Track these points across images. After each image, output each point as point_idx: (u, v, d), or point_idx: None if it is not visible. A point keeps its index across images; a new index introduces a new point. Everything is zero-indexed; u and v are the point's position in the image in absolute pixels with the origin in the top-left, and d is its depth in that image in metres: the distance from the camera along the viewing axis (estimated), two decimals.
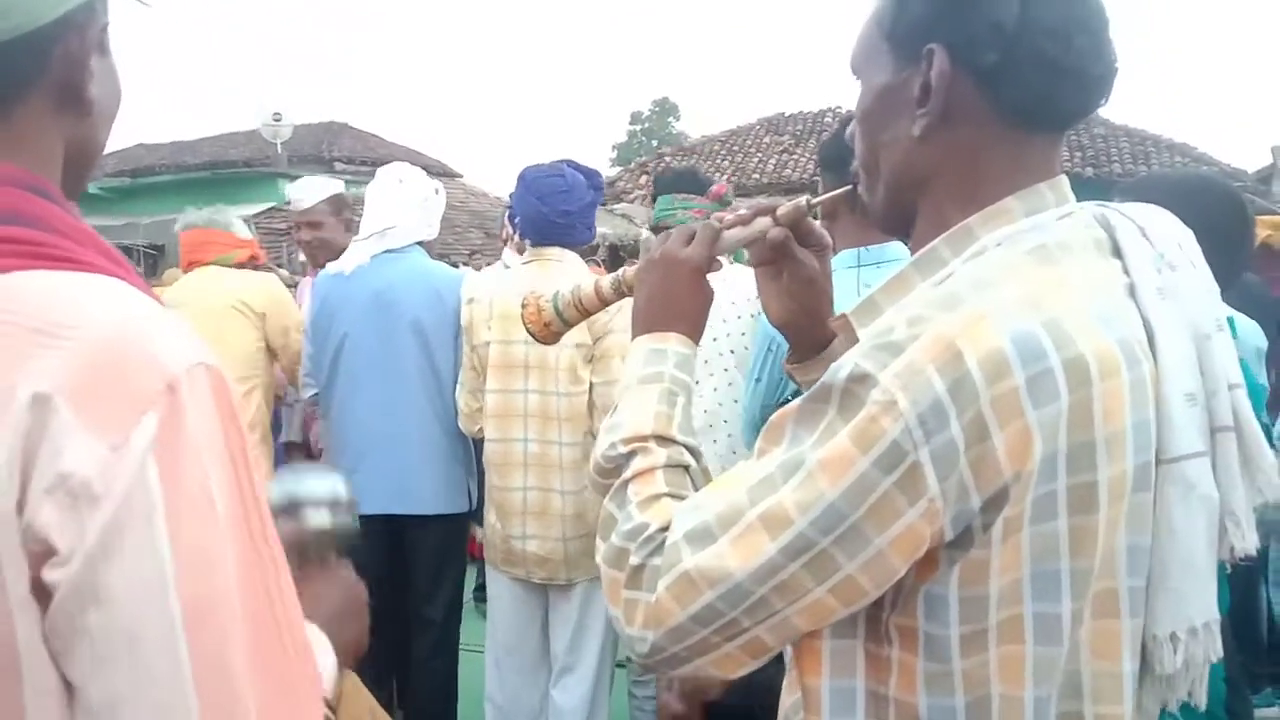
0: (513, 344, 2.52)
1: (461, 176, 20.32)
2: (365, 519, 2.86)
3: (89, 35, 0.73)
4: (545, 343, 1.20)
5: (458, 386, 2.68)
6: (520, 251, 2.90)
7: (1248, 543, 1.02)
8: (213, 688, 0.62)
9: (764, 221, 1.04)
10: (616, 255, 7.51)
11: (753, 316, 2.61)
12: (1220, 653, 0.98)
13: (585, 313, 1.17)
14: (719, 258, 1.06)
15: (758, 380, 2.23)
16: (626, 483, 0.90)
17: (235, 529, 0.65)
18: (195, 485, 0.63)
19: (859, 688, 0.85)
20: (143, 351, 0.64)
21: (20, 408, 0.60)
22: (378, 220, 2.76)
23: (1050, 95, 0.83)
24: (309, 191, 3.30)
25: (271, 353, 3.04)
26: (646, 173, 18.25)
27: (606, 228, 9.78)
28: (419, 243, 2.83)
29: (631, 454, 0.92)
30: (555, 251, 2.57)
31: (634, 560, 0.84)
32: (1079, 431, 0.76)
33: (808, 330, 1.09)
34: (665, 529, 0.84)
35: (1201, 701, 0.98)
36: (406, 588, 2.83)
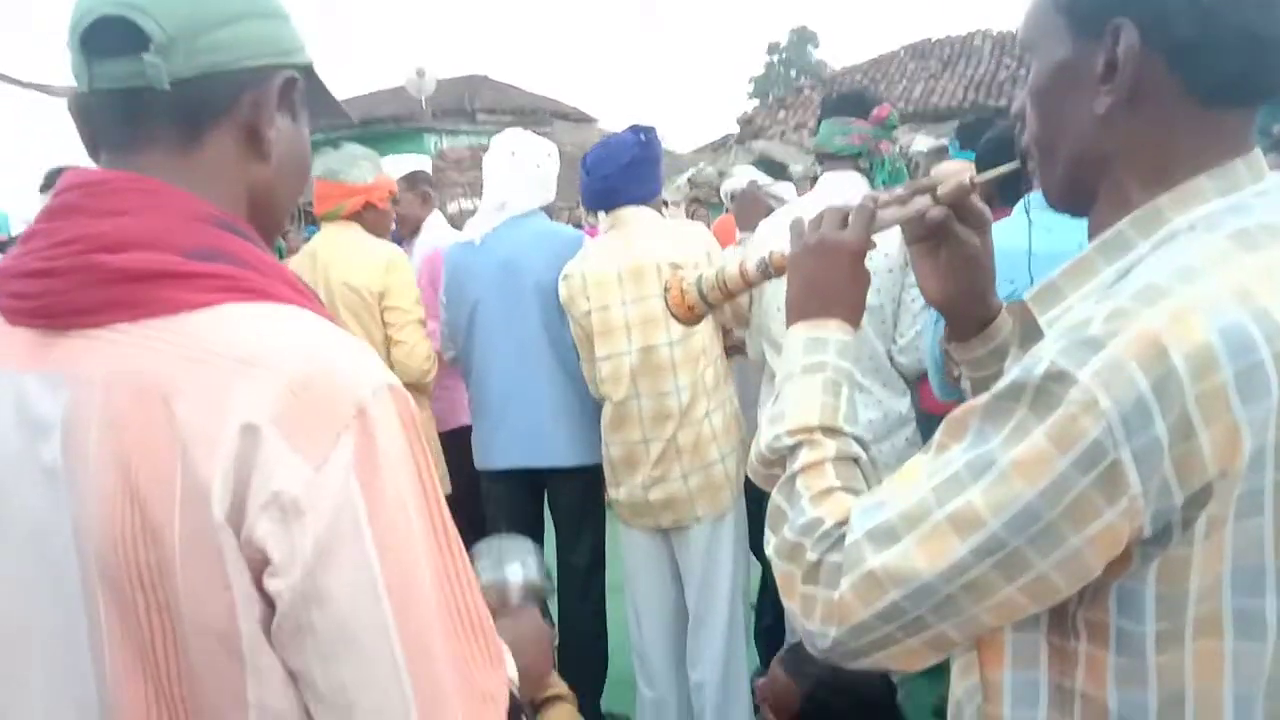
0: (610, 309, 2.59)
1: (597, 121, 20.39)
2: (508, 473, 2.97)
3: (272, 88, 0.82)
4: (688, 324, 1.21)
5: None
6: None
7: None
8: (421, 671, 0.72)
9: (923, 201, 1.00)
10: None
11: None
12: None
13: (729, 295, 1.16)
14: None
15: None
16: (794, 476, 0.90)
17: (425, 531, 0.74)
18: (392, 496, 0.72)
19: (1042, 680, 0.84)
20: (335, 378, 0.72)
21: (231, 435, 0.68)
22: (494, 195, 2.85)
23: (1249, 71, 0.77)
24: (390, 168, 3.35)
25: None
26: (785, 108, 17.81)
27: (744, 165, 9.60)
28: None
29: (798, 445, 0.92)
30: (627, 213, 2.62)
31: (811, 556, 0.84)
32: None
33: (968, 308, 1.06)
34: (842, 524, 0.83)
35: None
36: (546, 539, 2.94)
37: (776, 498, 0.91)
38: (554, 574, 2.89)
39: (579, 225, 6.40)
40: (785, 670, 1.65)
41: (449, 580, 0.75)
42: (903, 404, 2.57)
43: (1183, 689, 0.78)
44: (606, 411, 2.66)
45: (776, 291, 2.50)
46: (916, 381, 2.69)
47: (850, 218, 1.00)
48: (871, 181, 2.58)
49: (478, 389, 2.91)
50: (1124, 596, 0.77)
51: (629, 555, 2.79)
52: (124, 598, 0.71)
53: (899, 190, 1.03)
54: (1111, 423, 0.70)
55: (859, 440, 0.93)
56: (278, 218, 0.88)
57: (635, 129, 2.67)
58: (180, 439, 0.69)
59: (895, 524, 0.79)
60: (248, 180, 0.83)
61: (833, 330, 0.97)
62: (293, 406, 0.69)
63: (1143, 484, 0.71)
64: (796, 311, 1.00)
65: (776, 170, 9.10)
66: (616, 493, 2.69)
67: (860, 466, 0.92)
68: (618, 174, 2.60)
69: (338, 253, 2.88)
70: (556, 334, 2.78)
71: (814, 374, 0.95)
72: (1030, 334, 0.85)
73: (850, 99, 2.68)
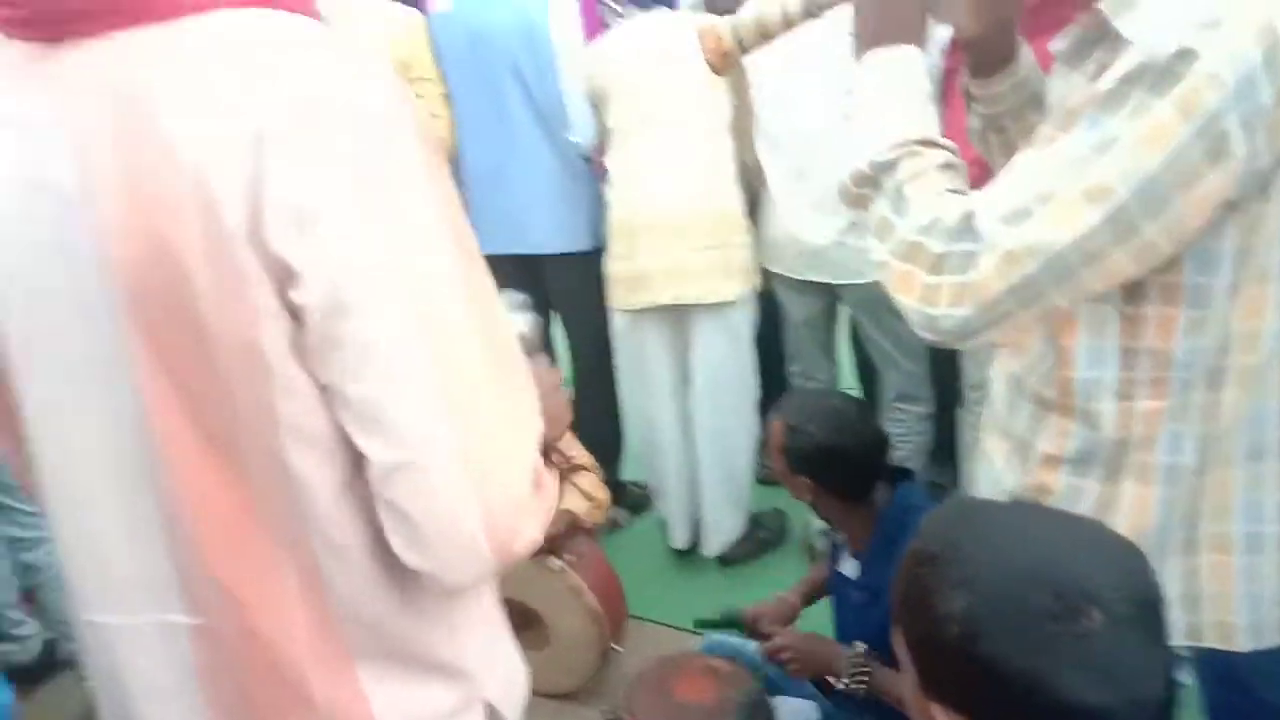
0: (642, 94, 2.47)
1: None
2: (498, 259, 2.86)
3: None
4: (721, 71, 1.21)
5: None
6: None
7: None
8: (454, 386, 0.71)
9: None
10: None
11: None
12: None
13: (768, 37, 1.14)
14: None
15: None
16: (900, 185, 0.95)
17: (447, 242, 0.72)
18: (408, 206, 0.69)
19: (1112, 345, 0.98)
20: (337, 93, 0.68)
21: (241, 145, 0.65)
22: None
23: None
24: None
25: None
26: None
27: None
28: None
29: (898, 160, 0.96)
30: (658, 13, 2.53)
31: (936, 249, 0.91)
32: None
33: (997, 44, 1.10)
34: (966, 218, 0.90)
35: None
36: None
37: (883, 210, 0.96)
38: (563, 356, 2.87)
39: None
40: (776, 411, 1.67)
41: (476, 299, 0.73)
42: None
43: (1229, 331, 0.94)
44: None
45: (774, 81, 2.38)
46: None
47: None
48: None
49: (457, 168, 2.76)
50: (1202, 256, 0.91)
51: (623, 339, 2.71)
52: (148, 315, 0.70)
53: None
54: (1229, 94, 0.81)
55: (953, 151, 0.98)
56: None
57: None
58: (188, 151, 0.66)
59: (1028, 204, 0.87)
60: None
61: (911, 53, 1.00)
62: (302, 118, 0.66)
63: (1245, 148, 0.82)
64: (867, 42, 1.03)
65: None
66: (614, 266, 2.59)
67: (959, 172, 0.96)
68: None
69: (351, 13, 2.54)
70: (537, 113, 2.61)
71: (905, 92, 0.99)
72: (1084, 47, 0.98)
73: None
